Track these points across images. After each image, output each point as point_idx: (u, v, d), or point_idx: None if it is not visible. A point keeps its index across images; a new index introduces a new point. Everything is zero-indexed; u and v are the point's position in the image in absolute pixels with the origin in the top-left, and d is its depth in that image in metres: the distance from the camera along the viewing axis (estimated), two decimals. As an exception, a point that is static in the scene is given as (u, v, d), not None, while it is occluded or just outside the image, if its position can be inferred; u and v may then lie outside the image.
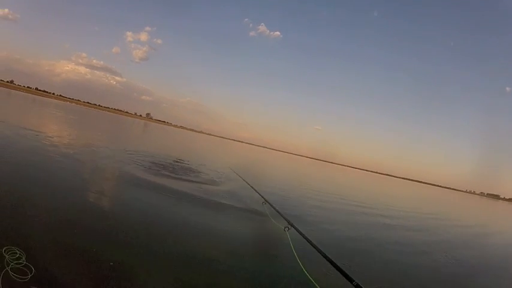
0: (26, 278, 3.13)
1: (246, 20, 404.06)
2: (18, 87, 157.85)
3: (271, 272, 4.88)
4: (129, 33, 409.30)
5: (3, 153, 8.81)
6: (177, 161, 15.26)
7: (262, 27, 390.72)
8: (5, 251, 3.37)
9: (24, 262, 3.29)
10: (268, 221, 6.24)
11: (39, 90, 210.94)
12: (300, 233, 3.72)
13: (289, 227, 4.16)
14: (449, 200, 54.85)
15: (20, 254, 3.38)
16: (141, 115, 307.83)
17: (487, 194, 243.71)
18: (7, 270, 3.15)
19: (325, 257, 2.85)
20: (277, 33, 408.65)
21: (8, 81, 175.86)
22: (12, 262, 3.26)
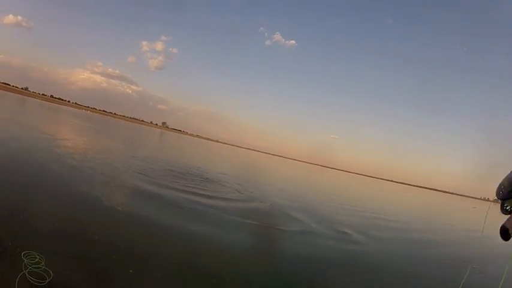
0: (43, 282, 3.13)
1: (261, 29, 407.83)
2: (33, 94, 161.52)
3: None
4: (144, 43, 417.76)
5: (21, 162, 8.98)
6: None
7: (277, 36, 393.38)
8: (23, 255, 3.39)
9: (43, 267, 3.30)
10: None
11: (55, 97, 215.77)
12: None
13: None
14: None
15: (39, 259, 3.39)
16: (156, 124, 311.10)
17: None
18: (24, 273, 3.17)
19: None
20: (293, 41, 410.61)
21: (22, 88, 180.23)
22: (30, 266, 3.28)
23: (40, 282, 3.11)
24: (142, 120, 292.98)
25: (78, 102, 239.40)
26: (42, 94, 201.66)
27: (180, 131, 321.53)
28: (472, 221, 23.42)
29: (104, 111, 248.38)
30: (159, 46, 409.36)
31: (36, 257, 3.40)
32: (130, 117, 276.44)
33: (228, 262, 5.05)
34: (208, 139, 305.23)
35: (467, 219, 27.24)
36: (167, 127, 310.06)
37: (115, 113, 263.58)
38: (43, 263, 3.34)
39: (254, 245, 6.54)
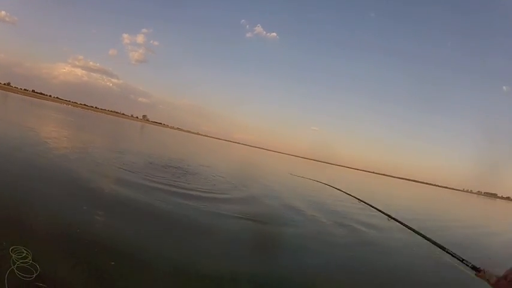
0: (31, 277, 3.27)
1: (242, 21, 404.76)
2: (15, 90, 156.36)
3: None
4: (125, 36, 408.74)
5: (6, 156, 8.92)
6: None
7: (258, 28, 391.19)
8: (11, 250, 3.52)
9: (30, 261, 3.45)
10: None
11: (36, 92, 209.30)
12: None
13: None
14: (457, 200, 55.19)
15: (26, 253, 3.53)
16: (137, 117, 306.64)
17: (484, 192, 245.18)
18: (13, 269, 3.30)
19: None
20: (274, 34, 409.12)
21: (4, 84, 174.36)
22: (18, 261, 3.40)
23: (28, 277, 3.24)
24: (123, 114, 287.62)
25: (59, 97, 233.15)
26: (24, 89, 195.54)
27: (161, 123, 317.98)
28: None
29: (84, 105, 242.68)
30: (140, 39, 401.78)
31: (23, 252, 3.53)
32: (111, 111, 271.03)
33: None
34: (188, 132, 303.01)
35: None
36: (148, 120, 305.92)
37: (96, 107, 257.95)
38: (30, 258, 3.48)
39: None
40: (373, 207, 4.10)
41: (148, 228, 5.85)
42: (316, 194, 15.17)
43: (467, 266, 2.28)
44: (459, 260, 2.35)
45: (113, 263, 4.02)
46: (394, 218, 3.46)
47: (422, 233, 2.90)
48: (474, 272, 2.17)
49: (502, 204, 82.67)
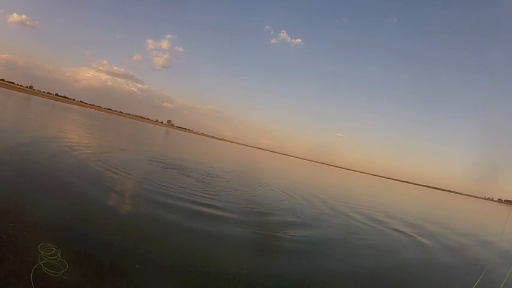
0: (58, 273, 3.33)
1: (267, 27, 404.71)
2: (38, 93, 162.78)
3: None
4: (150, 41, 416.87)
5: (34, 159, 9.24)
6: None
7: (283, 35, 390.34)
8: (40, 247, 3.61)
9: (59, 258, 3.51)
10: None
11: (60, 96, 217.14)
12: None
13: None
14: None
15: (55, 251, 3.60)
16: (162, 122, 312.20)
17: (505, 200, 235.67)
18: (40, 264, 3.37)
19: None
20: (299, 40, 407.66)
21: (27, 86, 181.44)
22: (46, 258, 3.48)
23: (55, 273, 3.31)
24: (148, 119, 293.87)
25: (83, 101, 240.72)
26: (47, 92, 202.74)
27: (186, 129, 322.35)
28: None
29: (109, 109, 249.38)
30: (164, 44, 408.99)
31: (52, 249, 3.61)
32: (136, 115, 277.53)
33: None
34: (213, 137, 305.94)
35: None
36: (172, 125, 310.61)
37: (120, 111, 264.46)
38: (59, 255, 3.55)
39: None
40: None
41: (173, 233, 5.87)
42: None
43: None
44: None
45: (137, 266, 4.04)
46: None
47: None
48: None
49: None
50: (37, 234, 4.04)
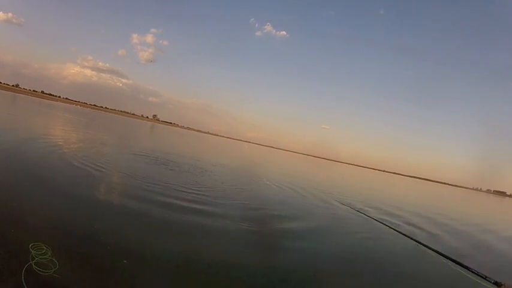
0: (49, 272, 3.47)
1: (252, 19, 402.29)
2: (24, 91, 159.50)
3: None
4: (134, 36, 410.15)
5: (21, 159, 9.24)
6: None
7: (268, 27, 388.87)
8: (31, 246, 3.74)
9: (50, 257, 3.66)
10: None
11: (45, 93, 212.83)
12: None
13: None
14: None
15: (46, 250, 3.75)
16: (148, 117, 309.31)
17: (494, 191, 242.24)
18: (31, 264, 3.50)
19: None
20: (284, 32, 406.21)
21: (13, 85, 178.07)
22: (37, 257, 3.61)
23: (46, 272, 3.44)
24: (133, 114, 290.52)
25: (69, 97, 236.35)
26: (33, 90, 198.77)
27: (171, 123, 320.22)
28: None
29: (94, 105, 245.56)
30: (149, 39, 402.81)
31: (43, 248, 3.75)
32: (121, 111, 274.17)
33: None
34: (199, 131, 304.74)
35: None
36: (158, 120, 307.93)
37: (106, 107, 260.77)
38: (49, 254, 3.69)
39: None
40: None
41: (159, 227, 6.03)
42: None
43: (490, 282, 2.36)
44: (482, 277, 2.45)
45: (125, 261, 4.19)
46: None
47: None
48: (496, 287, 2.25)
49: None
50: (27, 233, 4.17)
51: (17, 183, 6.67)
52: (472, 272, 2.39)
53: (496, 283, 2.24)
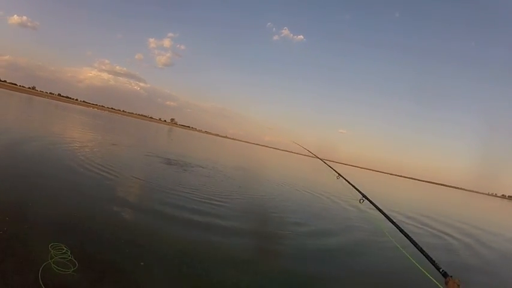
0: (67, 271, 3.49)
1: (269, 24, 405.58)
2: (41, 93, 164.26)
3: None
4: (151, 40, 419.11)
5: (37, 159, 9.48)
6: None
7: (285, 31, 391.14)
8: (51, 246, 3.78)
9: (70, 257, 3.69)
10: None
11: (62, 96, 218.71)
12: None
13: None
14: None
15: (66, 250, 3.78)
16: (165, 120, 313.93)
17: (508, 196, 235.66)
18: (50, 262, 3.53)
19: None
20: (301, 36, 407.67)
21: (29, 87, 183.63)
22: (56, 256, 3.64)
23: (64, 271, 3.47)
24: (151, 117, 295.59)
25: (86, 100, 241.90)
26: (50, 93, 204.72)
27: (189, 127, 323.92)
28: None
29: (112, 108, 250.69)
30: (166, 43, 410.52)
31: (63, 248, 3.78)
32: (139, 114, 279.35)
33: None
34: (217, 135, 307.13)
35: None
36: (176, 123, 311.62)
37: (123, 110, 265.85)
38: (69, 254, 3.72)
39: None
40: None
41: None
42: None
43: (439, 270, 2.22)
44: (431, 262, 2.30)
45: (142, 263, 4.20)
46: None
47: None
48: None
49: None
50: (47, 234, 4.23)
51: (42, 185, 6.83)
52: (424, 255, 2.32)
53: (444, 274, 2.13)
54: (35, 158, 9.40)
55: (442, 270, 2.19)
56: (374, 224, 8.97)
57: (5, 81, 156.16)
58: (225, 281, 4.37)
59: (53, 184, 7.12)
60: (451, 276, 2.06)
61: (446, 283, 2.04)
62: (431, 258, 2.36)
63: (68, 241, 4.05)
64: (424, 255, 2.50)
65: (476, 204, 50.80)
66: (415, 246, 2.68)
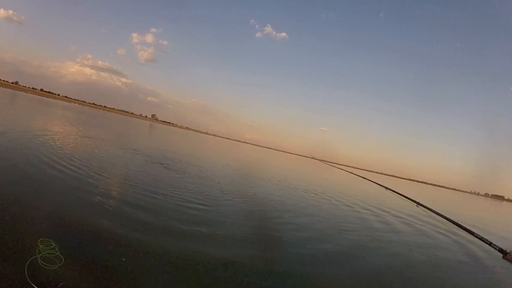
0: (53, 267, 3.72)
1: (252, 21, 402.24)
2: (23, 88, 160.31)
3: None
4: (134, 35, 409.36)
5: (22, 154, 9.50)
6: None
7: (268, 29, 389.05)
8: (40, 241, 4.03)
9: (57, 253, 3.94)
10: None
11: (45, 91, 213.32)
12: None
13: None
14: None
15: (54, 246, 4.03)
16: (146, 116, 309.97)
17: (492, 195, 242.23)
18: (36, 257, 3.77)
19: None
20: (284, 34, 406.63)
21: (12, 82, 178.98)
22: (43, 252, 3.88)
23: (50, 266, 3.70)
24: (132, 113, 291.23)
25: (68, 96, 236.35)
26: (33, 88, 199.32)
27: (170, 123, 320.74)
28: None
29: (93, 104, 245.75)
30: (149, 38, 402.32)
31: (52, 244, 4.03)
32: (120, 110, 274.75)
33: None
34: (197, 131, 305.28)
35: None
36: (157, 119, 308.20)
37: (105, 106, 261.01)
38: (57, 250, 3.97)
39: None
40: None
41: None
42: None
43: (495, 249, 2.74)
44: (487, 243, 2.83)
45: (123, 259, 4.45)
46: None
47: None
48: (501, 254, 2.63)
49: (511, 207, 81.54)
50: (37, 229, 4.49)
51: (28, 180, 7.07)
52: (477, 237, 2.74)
53: (500, 250, 2.60)
54: (26, 155, 9.49)
55: (498, 248, 2.79)
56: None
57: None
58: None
59: (43, 180, 7.32)
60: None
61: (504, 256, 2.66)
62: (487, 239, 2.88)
63: (56, 237, 4.29)
64: (476, 237, 2.97)
65: (462, 203, 52.52)
66: (465, 230, 3.14)
